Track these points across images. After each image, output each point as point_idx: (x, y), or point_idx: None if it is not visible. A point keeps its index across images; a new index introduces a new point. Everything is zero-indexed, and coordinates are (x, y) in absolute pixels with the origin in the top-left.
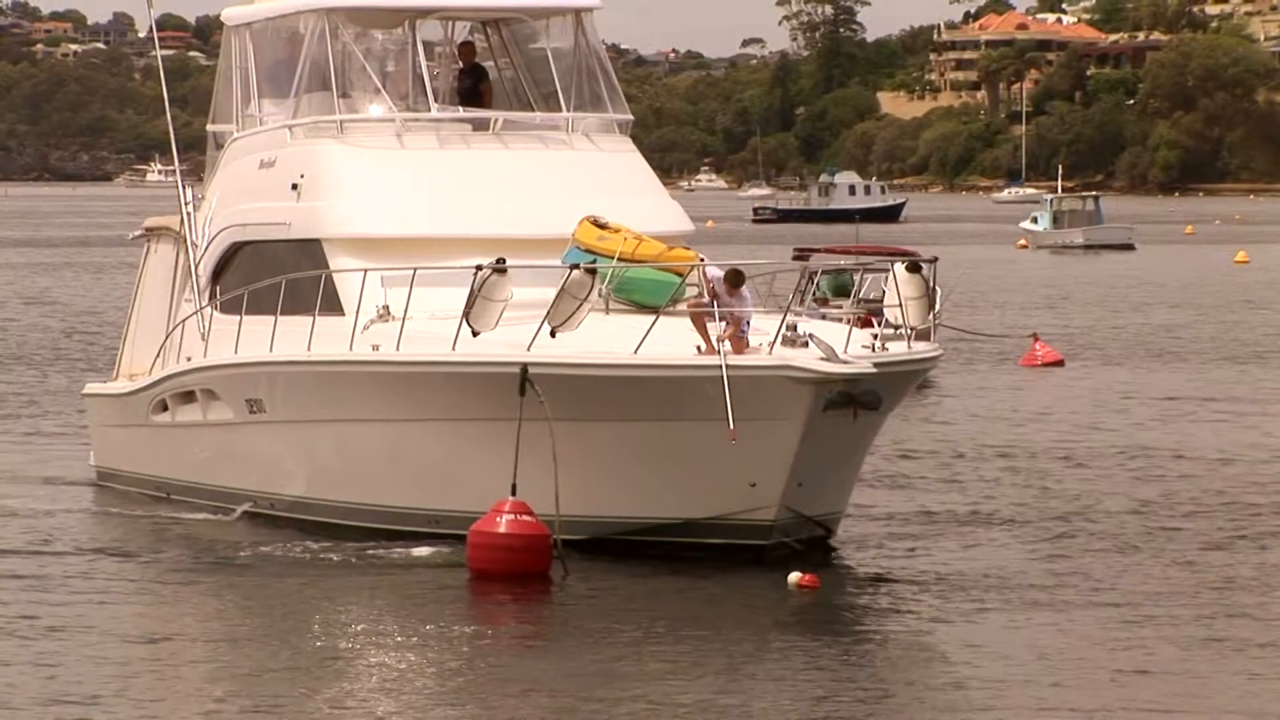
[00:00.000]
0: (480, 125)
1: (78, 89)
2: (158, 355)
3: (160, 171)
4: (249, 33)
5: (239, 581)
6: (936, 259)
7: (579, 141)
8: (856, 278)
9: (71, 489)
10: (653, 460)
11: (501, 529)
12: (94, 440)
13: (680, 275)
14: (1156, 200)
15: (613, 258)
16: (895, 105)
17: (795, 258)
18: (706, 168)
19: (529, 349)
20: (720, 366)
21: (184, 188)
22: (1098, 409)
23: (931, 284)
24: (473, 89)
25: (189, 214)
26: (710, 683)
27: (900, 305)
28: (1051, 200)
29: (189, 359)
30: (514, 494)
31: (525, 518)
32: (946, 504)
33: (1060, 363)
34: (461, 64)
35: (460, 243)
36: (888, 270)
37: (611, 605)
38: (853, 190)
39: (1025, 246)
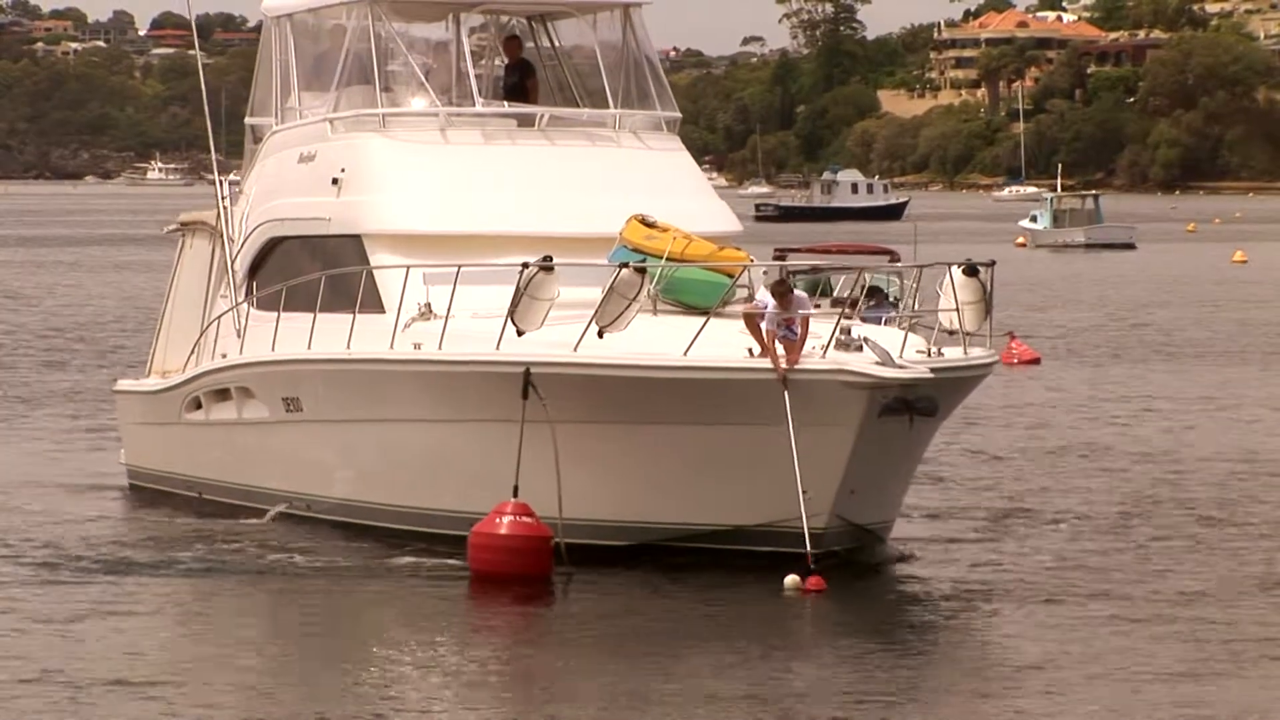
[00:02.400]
0: (525, 121)
1: (78, 87)
2: (191, 352)
3: (160, 169)
4: (289, 24)
5: (270, 585)
6: (994, 262)
7: (626, 139)
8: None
9: (101, 488)
10: (700, 466)
11: (502, 530)
12: (125, 438)
13: (730, 276)
14: (1156, 198)
15: (661, 257)
16: (895, 103)
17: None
18: (707, 166)
19: (575, 349)
20: (774, 370)
21: (220, 181)
22: (1072, 406)
23: (990, 288)
24: (518, 84)
25: (225, 208)
26: (715, 683)
27: (956, 310)
28: (1052, 199)
29: (224, 356)
30: (516, 495)
31: (526, 519)
32: (943, 503)
33: (1037, 361)
34: (507, 59)
35: (504, 240)
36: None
37: (617, 608)
38: (855, 188)
39: (1024, 245)
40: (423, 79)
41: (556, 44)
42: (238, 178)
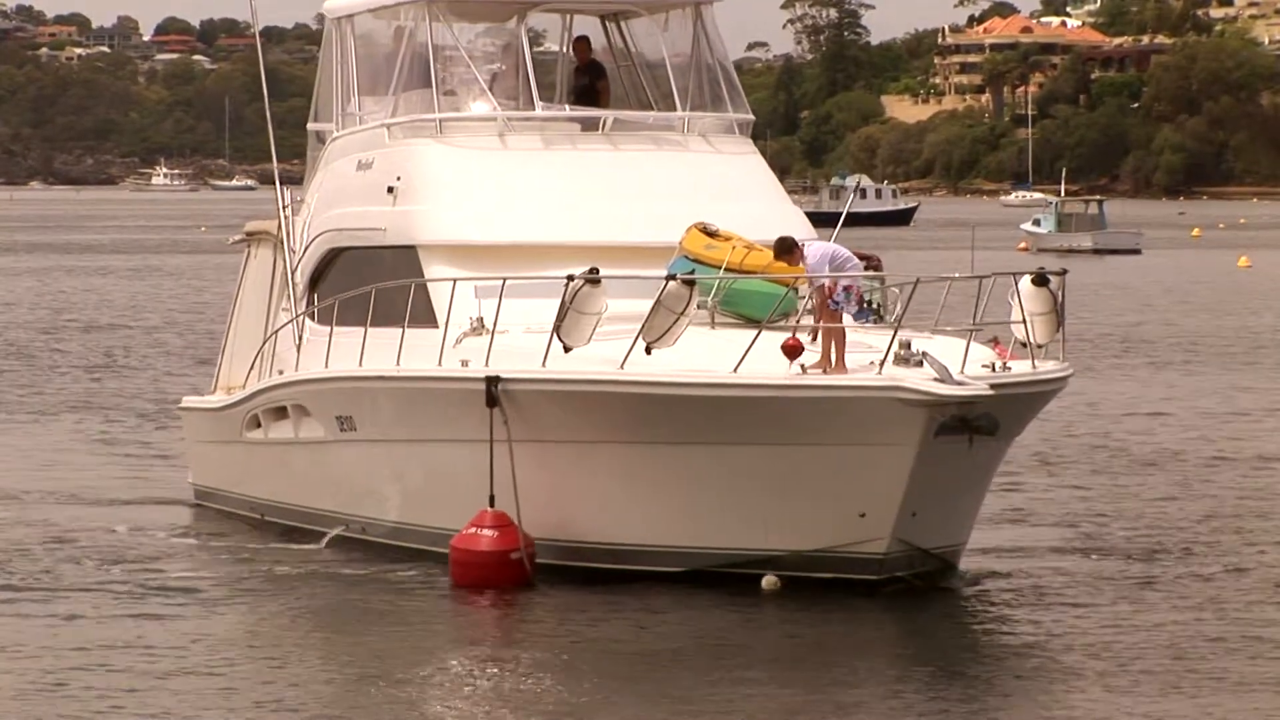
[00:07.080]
0: (589, 125)
1: (82, 93)
2: (252, 367)
3: (165, 175)
4: (350, 26)
5: (301, 609)
6: (1066, 271)
7: (694, 143)
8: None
9: (168, 509)
10: (754, 488)
11: (479, 541)
12: (191, 457)
13: (788, 287)
14: (1161, 203)
15: (719, 268)
16: (899, 109)
17: None
18: None
19: (622, 365)
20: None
21: (282, 190)
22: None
23: (1060, 299)
24: (589, 87)
25: (287, 218)
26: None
27: (1025, 321)
28: (1056, 204)
29: (281, 372)
30: (492, 505)
31: (495, 531)
32: None
33: None
34: (577, 61)
35: (563, 250)
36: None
37: (592, 623)
38: (864, 194)
39: (1026, 249)
40: (483, 83)
41: (631, 45)
42: (242, 183)
